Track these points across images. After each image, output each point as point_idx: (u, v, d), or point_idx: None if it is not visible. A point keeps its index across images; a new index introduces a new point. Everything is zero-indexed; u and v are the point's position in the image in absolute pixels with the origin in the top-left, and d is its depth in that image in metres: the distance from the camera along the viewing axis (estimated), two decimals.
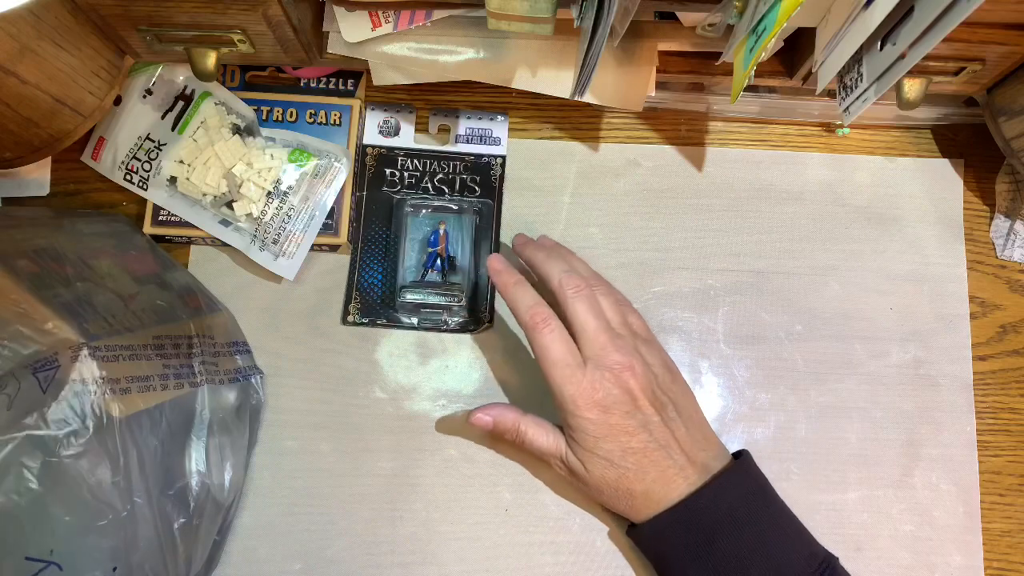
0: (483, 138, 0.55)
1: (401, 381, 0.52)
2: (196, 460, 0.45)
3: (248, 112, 0.52)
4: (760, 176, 0.56)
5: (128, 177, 0.52)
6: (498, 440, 0.50)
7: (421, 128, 0.55)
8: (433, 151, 0.55)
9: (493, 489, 0.51)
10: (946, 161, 0.56)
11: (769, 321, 0.54)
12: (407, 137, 0.55)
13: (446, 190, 0.54)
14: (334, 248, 0.53)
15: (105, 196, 0.54)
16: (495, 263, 0.47)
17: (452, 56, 0.48)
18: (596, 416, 0.43)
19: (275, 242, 0.51)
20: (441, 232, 0.53)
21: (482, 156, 0.55)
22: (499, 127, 0.55)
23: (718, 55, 0.46)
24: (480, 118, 0.55)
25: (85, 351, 0.39)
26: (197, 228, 0.52)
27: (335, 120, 0.53)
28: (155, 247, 0.51)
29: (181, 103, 0.53)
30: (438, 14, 0.45)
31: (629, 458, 0.43)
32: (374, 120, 0.55)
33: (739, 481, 0.44)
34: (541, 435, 0.46)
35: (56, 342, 0.38)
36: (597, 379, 0.43)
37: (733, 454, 0.47)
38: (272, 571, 0.49)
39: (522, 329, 0.45)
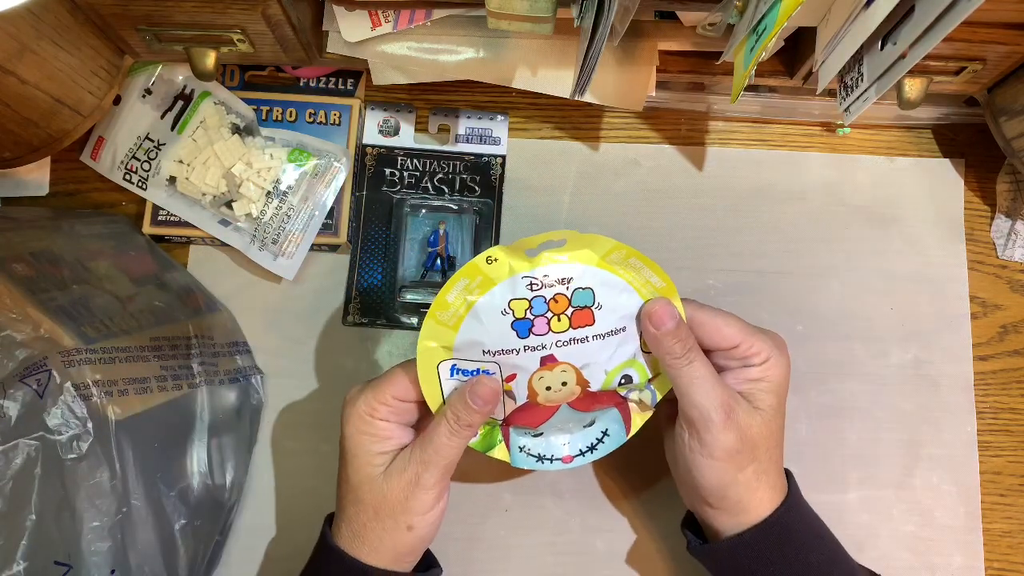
0: (483, 138, 0.55)
1: None
2: (197, 461, 0.45)
3: (248, 112, 0.52)
4: (760, 176, 0.55)
5: (127, 177, 0.52)
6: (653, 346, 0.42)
7: (421, 128, 0.55)
8: (433, 151, 0.55)
9: (493, 489, 0.50)
10: (947, 161, 0.56)
11: (769, 321, 0.53)
12: (407, 137, 0.55)
13: (446, 190, 0.54)
14: (334, 248, 0.53)
15: (104, 196, 0.54)
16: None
17: (452, 55, 0.48)
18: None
19: (275, 242, 0.51)
20: (441, 232, 0.53)
21: (482, 156, 0.55)
22: (499, 127, 0.55)
23: (718, 55, 0.45)
24: (480, 118, 0.55)
25: (80, 355, 0.39)
26: (196, 228, 0.52)
27: (335, 120, 0.53)
28: (154, 247, 0.51)
29: (180, 103, 0.53)
30: (438, 13, 0.45)
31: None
32: (374, 120, 0.55)
33: (802, 500, 0.44)
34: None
35: (50, 346, 0.38)
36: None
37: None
38: (272, 571, 0.49)
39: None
